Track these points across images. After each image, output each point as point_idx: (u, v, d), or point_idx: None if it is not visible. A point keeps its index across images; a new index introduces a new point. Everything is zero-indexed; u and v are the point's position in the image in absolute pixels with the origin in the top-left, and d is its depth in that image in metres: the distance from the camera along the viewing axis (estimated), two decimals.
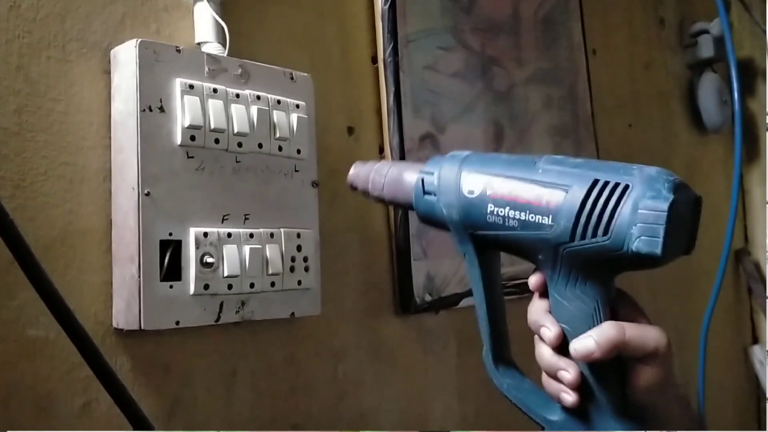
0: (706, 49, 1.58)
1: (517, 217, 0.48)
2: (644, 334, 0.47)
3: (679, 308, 1.46)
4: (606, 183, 0.45)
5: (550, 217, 0.46)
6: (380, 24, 0.93)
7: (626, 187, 0.44)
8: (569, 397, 0.49)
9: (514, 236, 0.48)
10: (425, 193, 0.53)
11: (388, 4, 0.92)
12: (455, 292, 0.96)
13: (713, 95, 1.57)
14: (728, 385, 1.64)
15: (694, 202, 0.46)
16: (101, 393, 0.59)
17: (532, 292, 0.52)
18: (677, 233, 0.44)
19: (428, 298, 0.93)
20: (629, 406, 0.49)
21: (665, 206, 0.42)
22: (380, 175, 0.56)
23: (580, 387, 0.49)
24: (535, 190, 0.47)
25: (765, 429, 1.70)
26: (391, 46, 0.92)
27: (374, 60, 0.94)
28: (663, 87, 1.55)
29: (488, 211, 0.49)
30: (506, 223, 0.48)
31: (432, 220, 0.53)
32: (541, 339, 0.50)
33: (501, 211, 0.48)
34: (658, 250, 0.42)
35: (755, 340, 1.74)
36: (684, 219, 0.45)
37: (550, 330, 0.49)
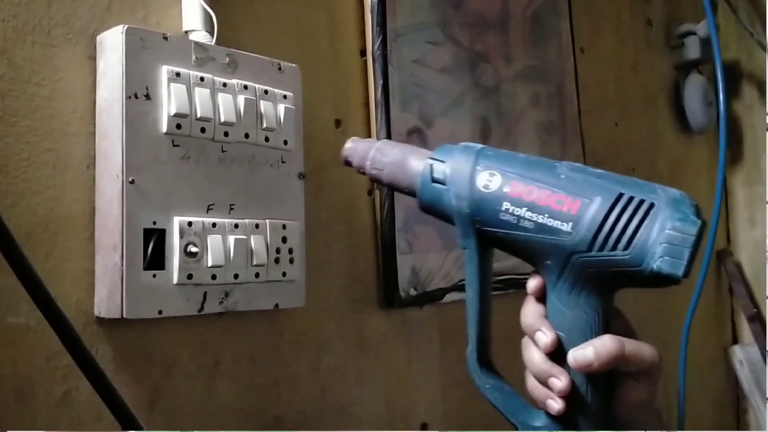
0: (692, 50, 1.59)
1: (534, 219, 0.47)
2: (642, 351, 0.48)
3: (661, 308, 1.47)
4: (631, 198, 0.45)
5: (570, 224, 0.46)
6: (369, 17, 0.93)
7: (651, 204, 0.44)
8: (556, 405, 0.49)
9: (525, 238, 0.47)
10: (434, 181, 0.51)
11: None
12: (440, 287, 0.96)
13: (699, 96, 1.58)
14: (709, 384, 1.65)
15: (702, 227, 0.46)
16: (82, 381, 0.59)
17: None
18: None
19: (413, 292, 0.93)
20: (612, 421, 0.49)
21: (695, 230, 0.43)
22: (382, 153, 0.54)
23: (569, 395, 0.48)
24: (557, 194, 0.46)
25: (743, 429, 1.71)
26: (380, 39, 0.92)
27: (363, 53, 0.93)
28: (649, 87, 1.56)
29: (503, 209, 0.48)
30: (520, 224, 0.47)
31: (436, 210, 0.52)
32: (534, 343, 0.50)
33: (517, 211, 0.47)
34: (681, 272, 0.43)
35: (735, 340, 1.76)
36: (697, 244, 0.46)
37: (546, 335, 0.49)
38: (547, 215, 0.46)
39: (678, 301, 1.44)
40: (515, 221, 0.47)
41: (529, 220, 0.47)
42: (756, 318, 1.69)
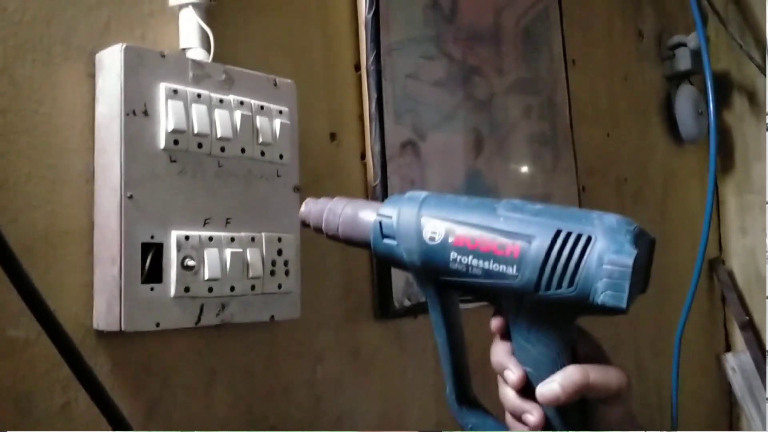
0: (683, 61, 1.61)
1: (481, 265, 0.48)
2: (608, 377, 0.48)
3: (654, 316, 1.48)
4: (569, 234, 0.45)
5: (515, 267, 0.46)
6: (363, 32, 0.94)
7: (589, 238, 0.45)
8: None
9: (478, 283, 0.48)
10: (384, 236, 0.52)
11: (372, 12, 0.93)
12: None
13: (690, 107, 1.60)
14: (701, 391, 1.66)
15: (650, 244, 0.47)
16: (81, 393, 0.60)
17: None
18: (638, 281, 0.45)
19: (407, 302, 0.94)
20: None
21: (630, 261, 0.43)
22: (334, 214, 0.55)
23: (545, 429, 0.49)
24: (498, 240, 0.47)
25: None
26: (374, 54, 0.93)
27: (357, 67, 0.95)
28: (641, 98, 1.57)
29: (451, 259, 0.49)
30: (469, 271, 0.48)
31: (392, 263, 0.53)
32: (505, 381, 0.51)
33: (464, 259, 0.48)
34: (624, 305, 0.43)
35: (728, 347, 1.77)
36: (643, 264, 0.46)
37: (513, 373, 0.50)
38: (492, 261, 0.47)
39: (671, 309, 1.45)
40: (464, 269, 0.48)
41: (477, 267, 0.48)
42: (748, 325, 1.70)
